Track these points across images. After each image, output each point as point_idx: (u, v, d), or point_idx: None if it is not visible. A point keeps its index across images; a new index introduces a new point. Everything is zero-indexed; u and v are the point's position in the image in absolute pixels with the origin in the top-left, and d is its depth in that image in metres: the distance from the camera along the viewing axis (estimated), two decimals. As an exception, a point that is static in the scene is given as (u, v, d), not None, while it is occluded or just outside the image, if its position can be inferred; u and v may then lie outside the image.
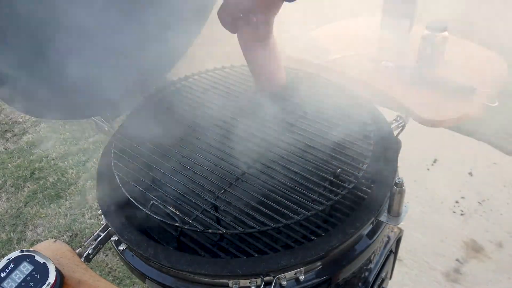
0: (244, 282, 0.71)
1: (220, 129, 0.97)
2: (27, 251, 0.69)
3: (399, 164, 0.91)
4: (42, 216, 2.08)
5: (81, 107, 0.94)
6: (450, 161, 2.23)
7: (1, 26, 0.68)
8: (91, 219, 2.05)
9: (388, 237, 1.08)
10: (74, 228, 2.01)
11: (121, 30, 0.84)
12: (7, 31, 0.70)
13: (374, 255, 1.01)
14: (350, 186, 0.78)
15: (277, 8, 0.75)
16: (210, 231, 0.72)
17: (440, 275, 1.68)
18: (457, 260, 1.73)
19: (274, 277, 0.71)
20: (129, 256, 0.83)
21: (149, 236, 0.84)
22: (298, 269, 0.72)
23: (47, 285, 0.65)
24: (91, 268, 0.73)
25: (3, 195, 2.24)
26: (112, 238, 0.83)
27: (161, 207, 0.78)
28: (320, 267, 0.76)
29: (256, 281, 0.71)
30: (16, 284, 0.65)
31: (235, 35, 0.84)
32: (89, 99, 0.95)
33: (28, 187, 2.26)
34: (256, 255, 0.73)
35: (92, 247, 0.80)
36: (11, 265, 0.67)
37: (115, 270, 1.80)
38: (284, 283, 0.71)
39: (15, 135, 2.71)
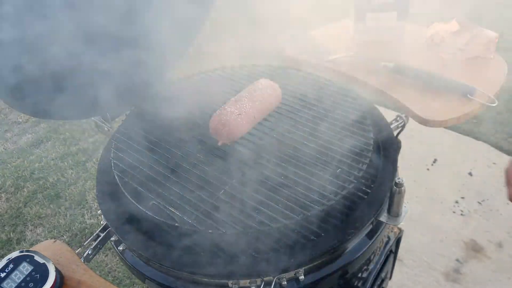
0: (244, 282, 0.71)
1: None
2: (27, 251, 0.69)
3: (399, 164, 0.91)
4: (41, 216, 2.08)
5: (81, 107, 0.94)
6: (450, 161, 2.23)
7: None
8: (90, 219, 2.05)
9: (388, 237, 1.08)
10: (73, 228, 2.01)
11: (120, 30, 0.84)
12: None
13: (374, 255, 1.01)
14: (350, 186, 0.78)
15: None
16: (210, 231, 0.72)
17: (440, 275, 1.68)
18: (457, 260, 1.73)
19: (274, 277, 0.70)
20: (128, 256, 0.83)
21: (149, 236, 0.84)
22: (297, 269, 0.72)
23: (47, 285, 0.65)
24: (91, 269, 0.73)
25: (2, 195, 2.24)
26: (111, 238, 0.83)
27: (161, 207, 0.78)
28: (320, 267, 0.76)
29: (256, 281, 0.71)
30: (16, 284, 0.65)
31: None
32: (89, 100, 0.95)
33: (28, 187, 2.26)
34: (256, 255, 0.73)
35: (92, 247, 0.80)
36: (11, 265, 0.67)
37: (115, 270, 1.80)
38: (284, 283, 0.71)
39: (15, 135, 2.71)
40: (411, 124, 1.09)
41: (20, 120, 2.85)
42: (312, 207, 0.74)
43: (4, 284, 0.65)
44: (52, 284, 0.65)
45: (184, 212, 0.76)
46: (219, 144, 0.87)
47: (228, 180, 0.82)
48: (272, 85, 0.95)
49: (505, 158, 2.22)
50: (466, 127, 2.40)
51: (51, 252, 0.75)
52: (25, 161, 2.46)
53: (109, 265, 1.82)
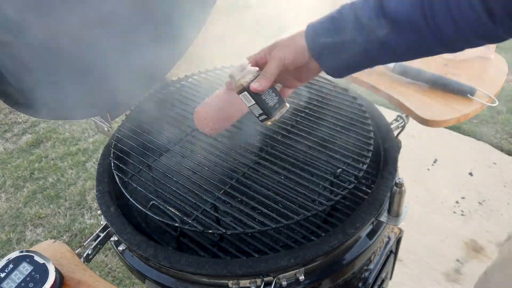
0: (244, 282, 0.71)
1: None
2: (27, 251, 0.69)
3: (399, 164, 0.91)
4: (41, 216, 2.08)
5: (80, 107, 0.94)
6: (450, 161, 2.23)
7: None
8: (90, 219, 2.05)
9: (388, 238, 1.08)
10: (73, 228, 2.01)
11: (121, 30, 0.84)
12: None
13: (374, 255, 1.01)
14: (350, 186, 0.77)
15: None
16: (209, 232, 0.72)
17: (440, 275, 1.68)
18: (457, 260, 1.73)
19: (274, 277, 0.70)
20: (128, 257, 0.83)
21: (149, 236, 0.84)
22: (297, 270, 0.72)
23: (47, 285, 0.65)
24: (91, 269, 0.73)
25: (2, 195, 2.24)
26: (111, 239, 0.83)
27: (161, 207, 0.78)
28: (320, 267, 0.75)
29: (256, 282, 0.71)
30: (16, 285, 0.65)
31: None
32: (88, 99, 0.95)
33: (28, 187, 2.26)
34: (256, 256, 0.72)
35: (92, 247, 0.80)
36: (11, 266, 0.67)
37: (115, 270, 1.80)
38: (284, 283, 0.71)
39: (15, 135, 2.71)
40: (411, 124, 1.09)
41: (20, 120, 2.85)
42: (312, 207, 0.73)
43: (4, 284, 0.65)
44: (52, 284, 0.65)
45: (184, 212, 0.76)
46: (207, 134, 0.83)
47: (228, 180, 0.82)
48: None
49: (506, 158, 2.22)
50: (467, 127, 2.40)
51: (51, 252, 0.75)
52: (25, 161, 2.46)
53: (109, 265, 1.82)
